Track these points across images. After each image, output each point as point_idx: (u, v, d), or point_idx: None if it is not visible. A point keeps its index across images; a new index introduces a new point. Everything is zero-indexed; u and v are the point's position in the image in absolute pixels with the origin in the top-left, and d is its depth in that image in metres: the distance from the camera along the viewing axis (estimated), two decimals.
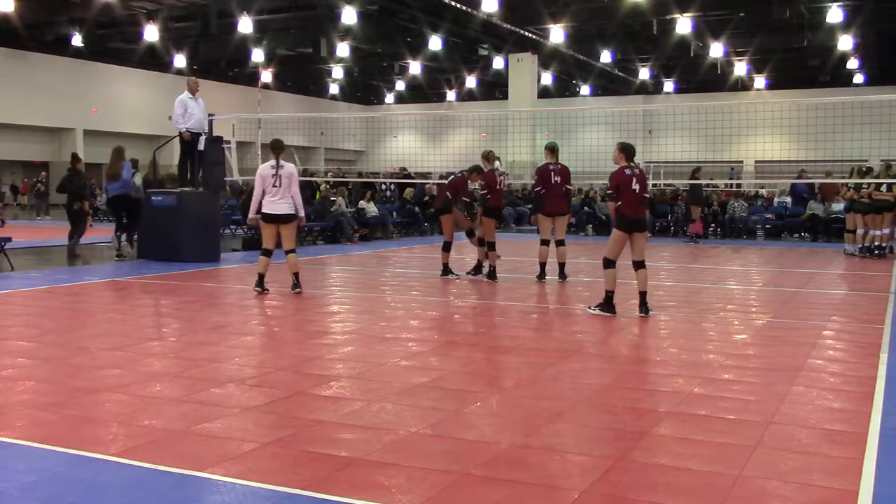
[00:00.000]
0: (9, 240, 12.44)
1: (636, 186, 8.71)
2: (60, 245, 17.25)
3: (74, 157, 15.23)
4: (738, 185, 27.18)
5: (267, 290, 10.08)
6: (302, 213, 10.18)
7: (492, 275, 11.63)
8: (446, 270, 12.03)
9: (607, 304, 8.78)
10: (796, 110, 29.04)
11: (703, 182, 20.67)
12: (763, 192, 25.95)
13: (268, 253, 10.08)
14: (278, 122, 32.70)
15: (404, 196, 22.47)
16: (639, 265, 8.91)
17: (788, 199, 22.27)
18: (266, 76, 37.13)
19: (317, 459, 4.22)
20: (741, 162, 37.83)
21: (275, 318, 8.93)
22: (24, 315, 8.79)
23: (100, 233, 20.54)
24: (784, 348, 7.18)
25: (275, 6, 27.58)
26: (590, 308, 8.91)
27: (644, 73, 37.12)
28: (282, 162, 9.96)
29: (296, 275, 10.14)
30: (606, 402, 5.43)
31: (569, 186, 11.71)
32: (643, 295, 8.82)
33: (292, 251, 10.15)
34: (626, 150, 8.90)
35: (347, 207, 19.40)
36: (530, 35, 29.13)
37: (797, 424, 4.89)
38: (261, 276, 10.11)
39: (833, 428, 4.87)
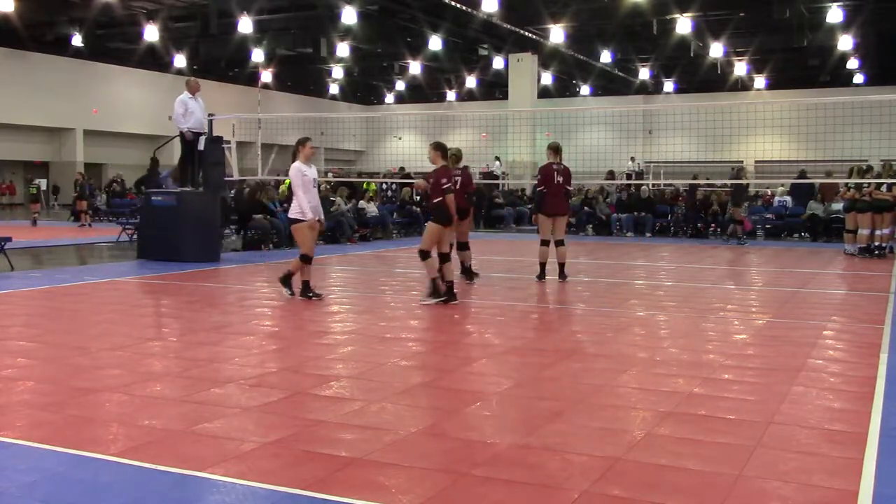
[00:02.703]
0: (9, 239, 12.42)
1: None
2: (62, 245, 17.28)
3: (154, 161, 18.51)
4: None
5: (319, 294, 9.73)
6: (298, 216, 9.51)
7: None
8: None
9: (436, 291, 9.39)
10: (796, 110, 29.05)
11: (745, 182, 20.38)
12: (766, 191, 25.94)
13: (304, 258, 9.61)
14: (278, 122, 32.66)
15: (402, 196, 22.47)
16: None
17: (788, 199, 22.27)
18: (266, 76, 37.11)
19: (317, 459, 4.22)
20: (741, 162, 37.81)
21: (275, 318, 8.92)
22: (24, 315, 8.79)
23: (100, 233, 20.58)
24: (784, 348, 7.18)
25: (275, 6, 27.57)
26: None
27: (644, 73, 37.10)
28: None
29: (303, 281, 9.65)
30: (606, 402, 5.43)
31: (568, 187, 11.70)
32: (451, 283, 9.49)
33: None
34: (441, 149, 9.59)
35: (347, 207, 19.39)
36: (530, 35, 29.11)
37: (797, 424, 4.89)
38: (304, 283, 9.64)
39: (833, 428, 4.87)
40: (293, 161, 9.67)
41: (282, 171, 31.76)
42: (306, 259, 9.63)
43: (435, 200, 9.46)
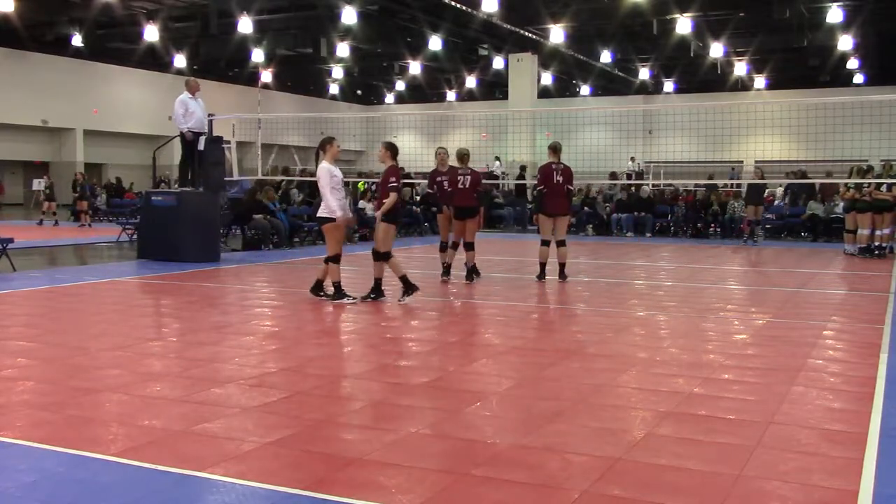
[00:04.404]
0: (11, 240, 12.40)
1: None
2: (62, 245, 17.28)
3: None
4: (738, 185, 27.15)
5: (354, 297, 9.49)
6: (329, 214, 9.25)
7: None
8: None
9: (409, 287, 9.51)
10: (796, 110, 29.02)
11: (764, 182, 20.35)
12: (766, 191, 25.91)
13: (332, 259, 9.39)
14: (278, 122, 32.61)
15: (402, 196, 22.41)
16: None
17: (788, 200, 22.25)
18: (266, 76, 37.07)
19: (317, 459, 4.22)
20: (741, 162, 37.82)
21: (275, 318, 8.92)
22: (24, 315, 8.79)
23: (100, 233, 20.58)
24: (784, 348, 7.18)
25: (275, 6, 27.55)
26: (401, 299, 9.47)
27: (644, 73, 37.06)
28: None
29: (334, 283, 9.44)
30: (606, 402, 5.43)
31: (570, 187, 11.66)
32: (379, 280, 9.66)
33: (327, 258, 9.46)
34: (392, 149, 9.71)
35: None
36: (530, 35, 29.09)
37: (797, 424, 4.89)
38: (336, 285, 9.45)
39: (833, 428, 4.87)
40: (318, 162, 9.53)
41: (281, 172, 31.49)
42: (334, 260, 9.37)
43: (384, 200, 9.53)
